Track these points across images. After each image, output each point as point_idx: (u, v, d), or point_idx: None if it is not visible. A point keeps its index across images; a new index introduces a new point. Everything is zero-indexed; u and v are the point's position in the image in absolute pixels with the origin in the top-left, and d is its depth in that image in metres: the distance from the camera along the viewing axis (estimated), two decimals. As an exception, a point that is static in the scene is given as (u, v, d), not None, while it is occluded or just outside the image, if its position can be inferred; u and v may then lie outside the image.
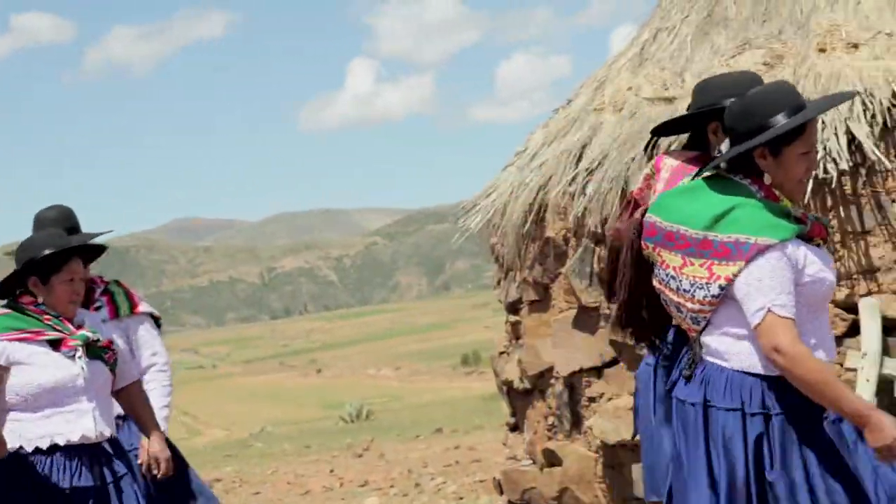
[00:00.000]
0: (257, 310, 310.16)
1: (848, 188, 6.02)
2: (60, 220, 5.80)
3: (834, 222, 6.00)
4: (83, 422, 5.22)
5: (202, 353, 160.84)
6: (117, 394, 5.47)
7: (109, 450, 5.35)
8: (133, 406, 5.50)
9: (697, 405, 3.89)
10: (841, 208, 6.01)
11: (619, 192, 6.56)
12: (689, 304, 3.91)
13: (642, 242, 4.09)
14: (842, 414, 3.81)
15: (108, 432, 5.30)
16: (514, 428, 8.10)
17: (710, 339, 3.91)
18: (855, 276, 6.03)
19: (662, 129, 4.89)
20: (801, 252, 3.81)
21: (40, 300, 5.19)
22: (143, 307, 6.02)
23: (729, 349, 3.86)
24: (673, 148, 5.70)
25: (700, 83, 4.56)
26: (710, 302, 3.85)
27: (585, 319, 7.00)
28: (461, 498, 12.03)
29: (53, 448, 5.08)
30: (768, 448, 3.81)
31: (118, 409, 5.65)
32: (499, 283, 8.19)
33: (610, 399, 6.84)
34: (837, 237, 6.01)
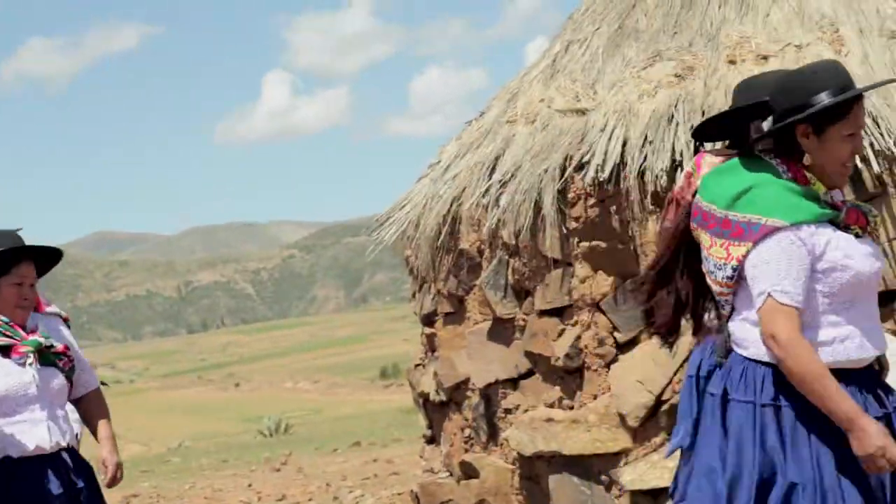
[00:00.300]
0: (174, 323, 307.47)
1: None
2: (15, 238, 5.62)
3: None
4: (37, 432, 5.04)
5: (119, 368, 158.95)
6: (76, 402, 5.31)
7: (68, 461, 5.18)
8: (91, 415, 5.33)
9: (716, 396, 3.79)
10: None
11: (532, 204, 6.57)
12: (714, 287, 3.81)
13: (690, 224, 3.94)
14: (829, 414, 3.67)
15: (64, 442, 5.10)
16: (431, 440, 8.08)
17: (733, 326, 3.81)
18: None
19: (703, 132, 4.62)
20: (823, 237, 3.69)
21: None
22: (49, 308, 5.88)
23: (746, 336, 3.76)
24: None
25: (743, 82, 4.32)
26: (726, 284, 3.76)
27: (500, 331, 7.00)
28: (379, 511, 12.00)
29: (6, 460, 4.89)
30: (780, 442, 3.69)
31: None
32: (414, 295, 8.17)
33: (526, 410, 6.84)
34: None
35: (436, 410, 7.84)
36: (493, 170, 7.01)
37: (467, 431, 7.37)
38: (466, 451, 7.37)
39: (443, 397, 7.61)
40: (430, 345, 7.87)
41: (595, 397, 6.50)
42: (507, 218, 6.74)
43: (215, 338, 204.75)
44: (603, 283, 6.45)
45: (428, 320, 7.84)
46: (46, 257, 5.32)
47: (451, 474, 7.51)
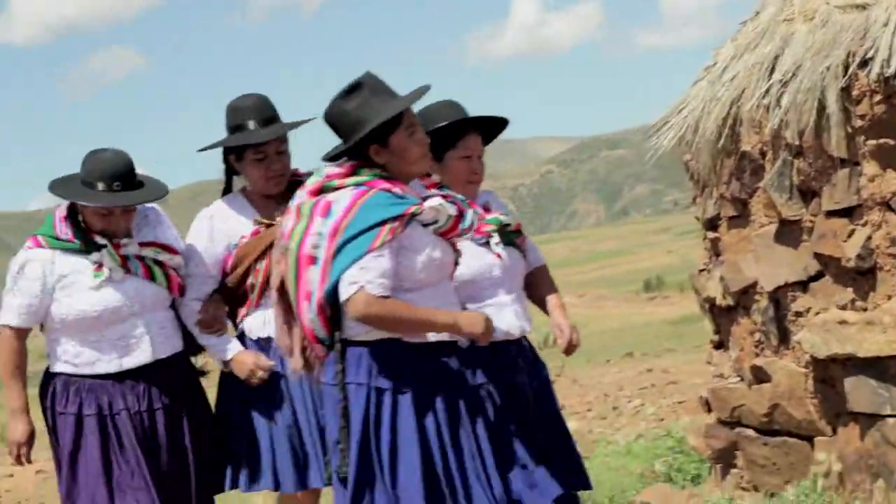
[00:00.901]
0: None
1: None
2: (259, 109, 5.78)
3: None
4: (504, 317, 5.16)
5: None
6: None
7: (528, 348, 5.33)
8: (539, 289, 5.49)
9: None
10: None
11: (815, 102, 6.41)
12: None
13: None
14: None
15: (528, 327, 5.23)
16: (719, 346, 8.02)
17: None
18: None
19: None
20: None
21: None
22: None
23: None
24: None
25: None
26: None
27: (787, 233, 6.88)
28: (661, 419, 12.05)
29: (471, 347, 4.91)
30: None
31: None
32: (694, 200, 8.09)
33: (817, 313, 6.71)
34: None
35: (723, 315, 7.77)
36: (772, 70, 6.85)
37: (757, 336, 7.28)
38: (757, 355, 7.29)
39: (730, 302, 7.52)
40: (714, 249, 7.79)
41: (889, 298, 6.32)
42: (789, 118, 6.58)
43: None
44: (892, 181, 6.25)
45: (711, 225, 7.76)
46: (491, 128, 5.35)
47: (742, 379, 7.45)
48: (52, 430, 5.67)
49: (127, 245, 5.62)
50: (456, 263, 4.91)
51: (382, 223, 4.55)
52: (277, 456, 5.68)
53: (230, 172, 5.92)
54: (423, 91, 4.76)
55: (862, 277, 6.46)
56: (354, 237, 4.55)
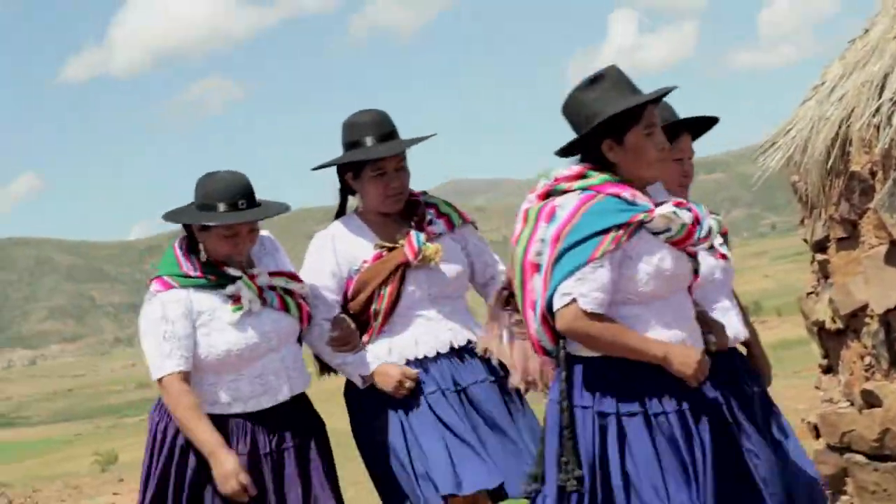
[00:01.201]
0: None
1: None
2: (378, 125, 5.54)
3: None
4: (730, 321, 5.18)
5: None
6: None
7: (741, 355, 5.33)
8: None
9: None
10: None
11: (927, 122, 6.28)
12: None
13: None
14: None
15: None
16: (828, 370, 7.87)
17: None
18: None
19: None
20: None
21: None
22: (468, 215, 5.80)
23: None
24: None
25: None
26: None
27: (898, 255, 6.74)
28: (766, 445, 11.83)
29: None
30: None
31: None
32: (802, 221, 7.96)
33: (930, 336, 6.57)
34: None
35: (831, 339, 7.63)
36: (882, 88, 6.72)
37: (867, 359, 7.14)
38: (867, 379, 7.14)
39: (839, 325, 7.38)
40: (823, 272, 7.65)
41: None
42: (901, 137, 6.46)
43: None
44: None
45: (819, 247, 7.63)
46: (700, 128, 5.35)
47: (852, 404, 7.30)
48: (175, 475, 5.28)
49: (260, 275, 5.33)
50: (696, 274, 4.63)
51: (606, 231, 4.30)
52: (455, 458, 5.31)
53: (345, 192, 5.70)
54: (667, 90, 4.53)
55: (975, 300, 6.32)
56: (575, 245, 4.32)
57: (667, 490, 4.28)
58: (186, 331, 5.14)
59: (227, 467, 5.09)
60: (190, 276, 5.22)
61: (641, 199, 4.43)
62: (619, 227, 4.31)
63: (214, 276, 5.24)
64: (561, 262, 4.33)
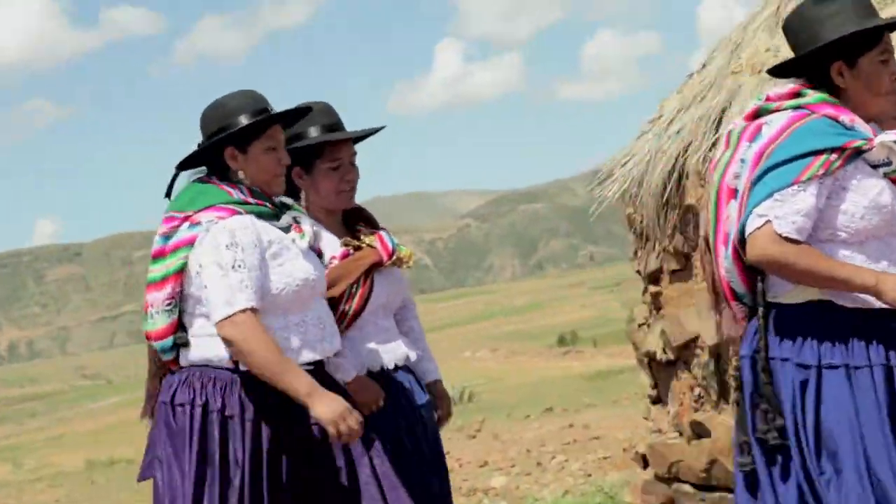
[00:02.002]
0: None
1: None
2: (325, 113, 4.96)
3: None
4: None
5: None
6: None
7: None
8: None
9: None
10: None
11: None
12: None
13: None
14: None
15: None
16: (657, 400, 7.95)
17: None
18: None
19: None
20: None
21: None
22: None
23: None
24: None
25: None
26: None
27: (730, 288, 6.82)
28: (589, 475, 11.93)
29: None
30: None
31: None
32: (636, 253, 8.04)
33: (761, 368, 6.65)
34: None
35: (661, 370, 7.70)
36: (719, 122, 6.83)
37: (697, 390, 7.22)
38: (696, 410, 7.23)
39: (670, 356, 7.46)
40: (656, 303, 7.72)
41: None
42: (735, 172, 6.54)
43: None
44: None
45: (653, 278, 7.70)
46: None
47: (681, 434, 7.37)
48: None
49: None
50: None
51: (817, 153, 3.83)
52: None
53: (292, 191, 4.93)
54: None
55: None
56: (780, 164, 3.86)
57: (867, 459, 3.83)
58: (257, 261, 4.40)
59: (337, 406, 4.33)
60: (249, 203, 4.50)
61: (862, 125, 3.97)
62: (832, 150, 3.86)
63: (272, 204, 4.57)
64: (761, 182, 3.89)
